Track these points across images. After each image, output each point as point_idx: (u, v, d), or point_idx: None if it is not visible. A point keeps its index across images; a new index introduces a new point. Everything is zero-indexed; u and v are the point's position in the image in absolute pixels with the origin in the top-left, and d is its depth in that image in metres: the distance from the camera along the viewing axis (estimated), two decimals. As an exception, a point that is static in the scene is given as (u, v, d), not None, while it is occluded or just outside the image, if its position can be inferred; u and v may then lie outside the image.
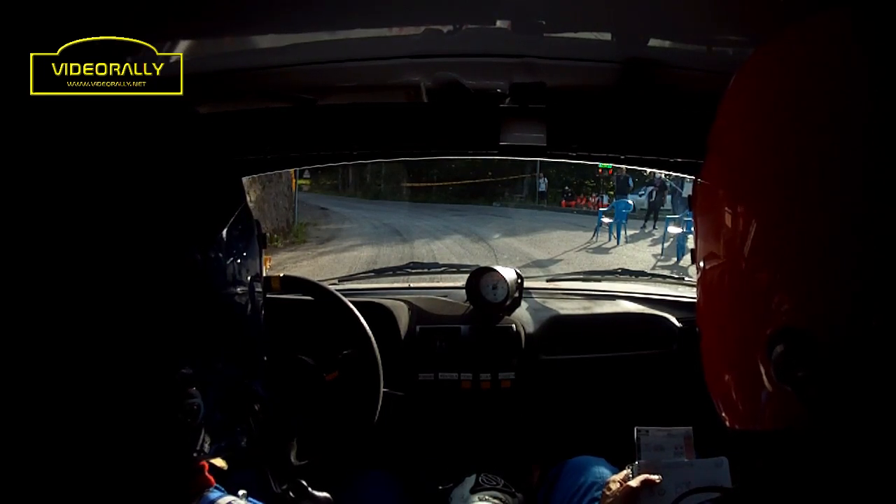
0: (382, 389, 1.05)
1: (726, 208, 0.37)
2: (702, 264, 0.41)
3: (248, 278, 0.44)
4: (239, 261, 0.42)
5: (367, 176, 17.16)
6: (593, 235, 8.78)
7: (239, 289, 0.43)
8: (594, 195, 14.54)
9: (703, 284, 0.42)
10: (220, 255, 0.41)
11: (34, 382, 0.33)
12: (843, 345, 0.31)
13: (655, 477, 0.76)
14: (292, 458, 0.99)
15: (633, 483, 0.75)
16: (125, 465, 0.37)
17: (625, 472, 0.80)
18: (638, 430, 0.83)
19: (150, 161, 0.38)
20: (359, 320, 1.07)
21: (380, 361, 1.05)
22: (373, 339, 1.06)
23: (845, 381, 0.31)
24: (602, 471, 1.00)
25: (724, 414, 0.41)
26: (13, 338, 0.32)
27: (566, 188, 15.62)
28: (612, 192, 13.10)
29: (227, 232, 0.41)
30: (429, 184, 15.72)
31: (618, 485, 0.78)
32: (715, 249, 0.39)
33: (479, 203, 14.57)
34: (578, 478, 0.99)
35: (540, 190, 15.40)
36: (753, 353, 0.35)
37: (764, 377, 0.35)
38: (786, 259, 0.33)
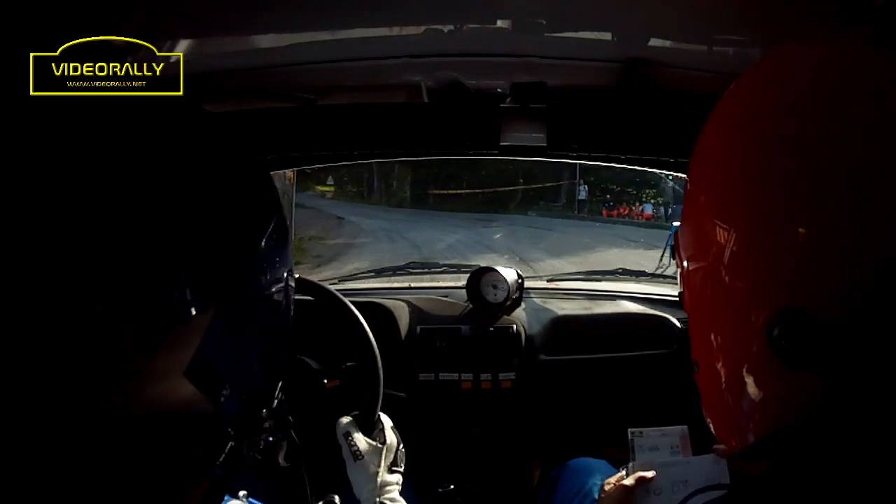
0: (381, 399, 1.01)
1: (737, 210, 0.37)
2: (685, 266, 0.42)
3: (285, 274, 0.44)
4: (277, 259, 0.42)
5: (393, 182, 15.57)
6: (663, 257, 7.53)
7: (277, 285, 0.43)
8: (637, 204, 12.95)
9: (691, 290, 0.42)
10: (264, 253, 0.41)
11: (56, 385, 0.33)
12: (845, 326, 0.32)
13: (649, 473, 0.76)
14: (280, 459, 0.97)
15: (628, 482, 0.75)
16: (142, 472, 0.36)
17: (620, 473, 0.80)
18: (632, 433, 0.82)
19: (177, 161, 0.37)
20: (364, 332, 1.01)
21: (382, 376, 1.01)
22: (377, 354, 1.01)
23: (853, 362, 0.32)
24: (603, 473, 1.00)
25: (728, 436, 0.41)
26: (27, 339, 0.32)
27: (607, 196, 13.51)
28: (654, 201, 12.04)
29: (270, 231, 0.41)
30: (457, 191, 14.22)
31: (612, 486, 0.78)
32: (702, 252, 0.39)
33: (512, 212, 12.78)
34: (579, 480, 0.99)
35: (580, 198, 13.30)
36: (752, 346, 0.36)
37: (769, 370, 0.35)
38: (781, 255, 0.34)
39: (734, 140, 0.38)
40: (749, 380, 0.37)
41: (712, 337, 0.40)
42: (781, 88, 0.37)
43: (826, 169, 0.33)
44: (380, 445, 0.83)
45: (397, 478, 0.83)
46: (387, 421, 0.86)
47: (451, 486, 1.22)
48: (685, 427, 0.83)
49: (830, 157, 0.33)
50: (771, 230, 0.34)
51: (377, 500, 0.79)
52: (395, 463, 0.84)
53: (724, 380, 0.39)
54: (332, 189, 14.24)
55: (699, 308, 0.41)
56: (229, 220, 0.38)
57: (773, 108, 0.36)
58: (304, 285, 1.06)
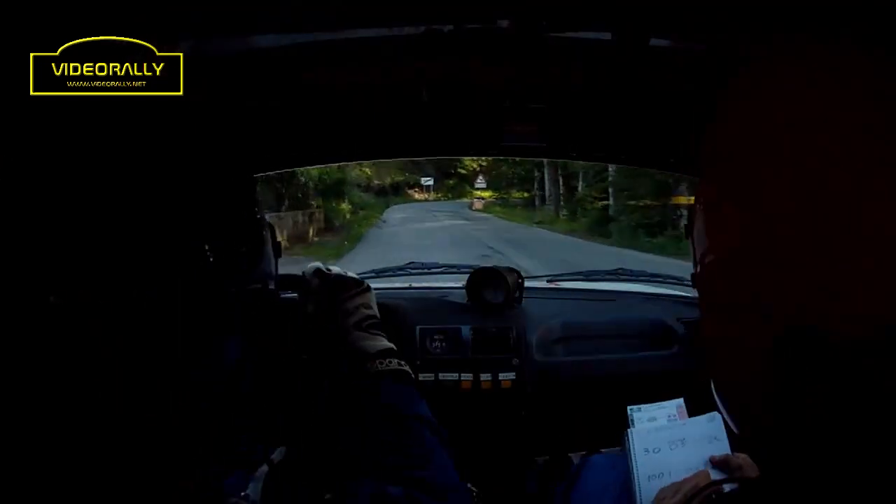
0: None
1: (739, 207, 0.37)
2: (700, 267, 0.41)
3: (260, 276, 0.44)
4: (250, 259, 0.42)
5: (577, 185, 8.90)
6: None
7: (252, 287, 0.43)
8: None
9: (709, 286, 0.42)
10: (232, 252, 0.40)
11: (43, 385, 0.33)
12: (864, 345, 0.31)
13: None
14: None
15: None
16: (137, 471, 0.36)
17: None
18: (630, 409, 0.88)
19: (160, 160, 0.37)
20: None
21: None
22: None
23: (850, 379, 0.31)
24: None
25: (735, 417, 0.41)
26: (19, 338, 0.32)
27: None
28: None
29: (240, 229, 0.41)
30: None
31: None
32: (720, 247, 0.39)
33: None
34: (604, 476, 0.98)
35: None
36: (760, 355, 0.35)
37: (775, 378, 0.34)
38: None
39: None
40: (757, 379, 0.36)
41: (721, 327, 0.40)
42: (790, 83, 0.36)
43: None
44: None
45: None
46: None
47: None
48: (681, 399, 0.88)
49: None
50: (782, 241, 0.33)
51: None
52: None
53: (732, 369, 0.39)
54: (489, 195, 9.10)
55: (711, 296, 0.41)
56: (200, 220, 0.38)
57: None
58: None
